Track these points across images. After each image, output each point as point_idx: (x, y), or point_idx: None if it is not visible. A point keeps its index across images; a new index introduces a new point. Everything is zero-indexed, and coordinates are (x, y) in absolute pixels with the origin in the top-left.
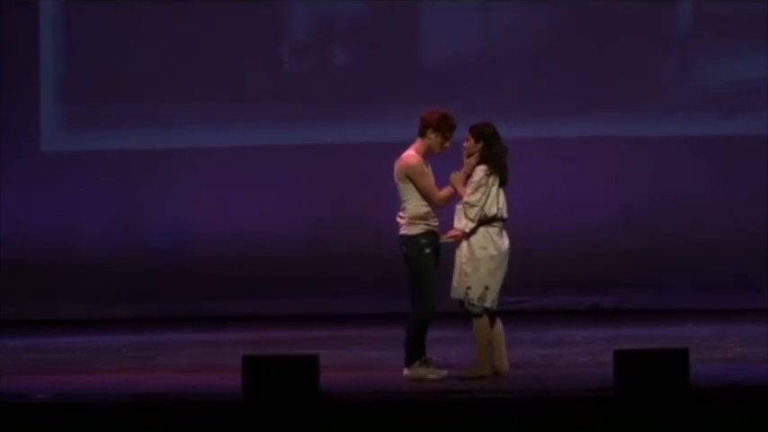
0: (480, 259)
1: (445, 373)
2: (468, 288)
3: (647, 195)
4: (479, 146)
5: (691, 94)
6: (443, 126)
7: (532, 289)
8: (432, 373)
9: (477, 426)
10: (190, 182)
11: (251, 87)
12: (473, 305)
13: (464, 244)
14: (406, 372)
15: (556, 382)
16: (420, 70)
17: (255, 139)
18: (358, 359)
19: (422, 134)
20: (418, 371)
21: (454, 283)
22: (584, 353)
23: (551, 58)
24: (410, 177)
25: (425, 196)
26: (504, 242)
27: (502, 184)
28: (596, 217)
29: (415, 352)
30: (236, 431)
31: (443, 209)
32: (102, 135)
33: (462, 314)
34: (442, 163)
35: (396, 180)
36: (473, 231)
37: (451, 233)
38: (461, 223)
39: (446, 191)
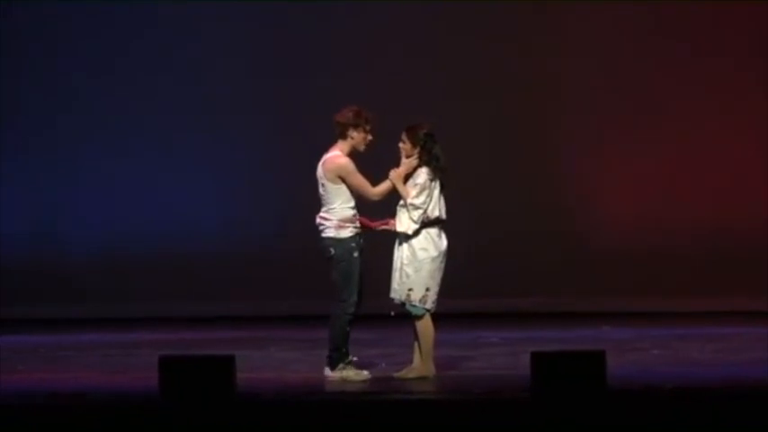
0: (422, 261)
1: (365, 374)
2: (410, 290)
3: (564, 199)
4: (417, 150)
5: None
6: (361, 121)
7: (446, 290)
8: (357, 375)
9: (396, 428)
10: (106, 182)
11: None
12: (414, 306)
13: (405, 245)
14: (330, 373)
15: (473, 383)
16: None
17: (170, 141)
18: (274, 360)
19: (342, 136)
20: (343, 372)
21: (395, 285)
22: (500, 354)
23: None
24: (342, 177)
25: (360, 193)
26: (443, 243)
27: (443, 188)
28: (514, 220)
29: (339, 353)
30: (153, 431)
31: (376, 204)
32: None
33: (389, 316)
34: (379, 161)
35: (322, 181)
36: (415, 233)
37: (390, 225)
38: (403, 224)
39: (382, 186)
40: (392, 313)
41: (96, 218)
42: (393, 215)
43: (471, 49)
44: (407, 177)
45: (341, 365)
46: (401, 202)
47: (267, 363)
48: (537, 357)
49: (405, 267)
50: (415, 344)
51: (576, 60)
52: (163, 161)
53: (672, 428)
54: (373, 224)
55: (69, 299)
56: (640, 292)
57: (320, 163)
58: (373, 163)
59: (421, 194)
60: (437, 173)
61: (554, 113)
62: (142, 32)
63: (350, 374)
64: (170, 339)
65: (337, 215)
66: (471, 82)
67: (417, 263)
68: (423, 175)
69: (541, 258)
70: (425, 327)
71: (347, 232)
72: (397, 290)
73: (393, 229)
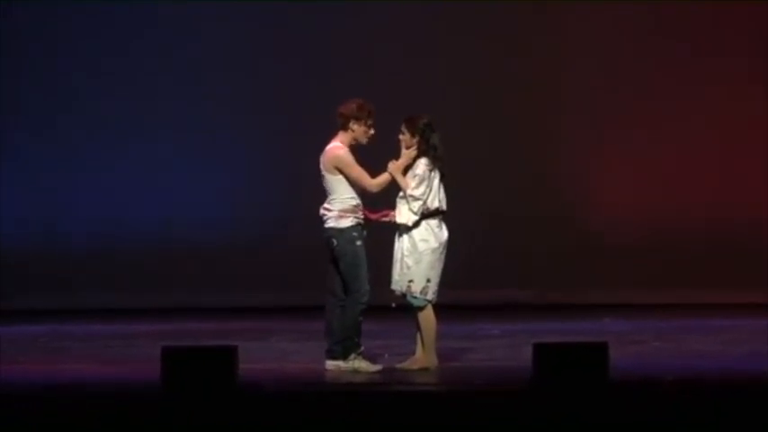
0: (422, 252)
1: (378, 366)
2: (411, 281)
3: (564, 195)
4: (416, 139)
5: None
6: (363, 114)
7: (447, 282)
8: (369, 367)
9: (398, 419)
10: (106, 182)
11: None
12: (415, 298)
13: (405, 237)
14: (342, 363)
15: (475, 374)
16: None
17: (175, 131)
18: (275, 351)
19: (344, 127)
20: (355, 363)
21: (395, 276)
22: (500, 346)
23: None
24: (339, 168)
25: (357, 184)
26: (444, 234)
27: (442, 177)
28: (515, 213)
29: (352, 343)
30: (155, 421)
31: (376, 196)
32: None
33: (391, 308)
34: (378, 158)
35: (323, 173)
36: (415, 224)
37: (390, 216)
38: (403, 216)
39: (381, 178)
40: (393, 305)
41: (96, 216)
42: (393, 206)
43: (471, 49)
44: (407, 169)
45: (352, 356)
46: (401, 193)
47: (268, 353)
48: (539, 349)
49: (405, 259)
50: (418, 335)
51: (576, 60)
52: (163, 161)
53: (673, 420)
54: (373, 216)
55: (69, 290)
56: (641, 284)
57: (321, 154)
58: (372, 159)
59: (420, 185)
60: (436, 162)
61: (554, 113)
62: (142, 32)
63: (362, 365)
64: (170, 330)
65: (339, 206)
66: (471, 82)
67: (418, 254)
68: (421, 165)
69: (542, 251)
70: (427, 318)
71: (348, 222)
72: (398, 281)
73: (393, 220)
